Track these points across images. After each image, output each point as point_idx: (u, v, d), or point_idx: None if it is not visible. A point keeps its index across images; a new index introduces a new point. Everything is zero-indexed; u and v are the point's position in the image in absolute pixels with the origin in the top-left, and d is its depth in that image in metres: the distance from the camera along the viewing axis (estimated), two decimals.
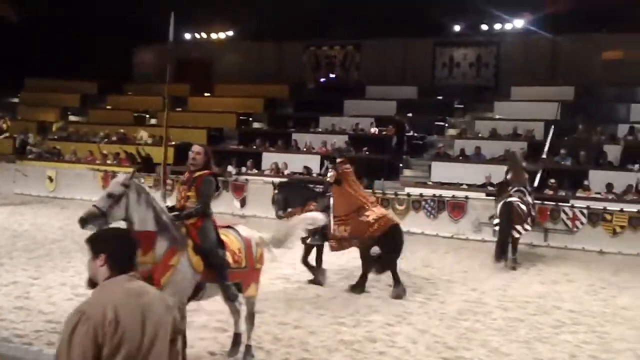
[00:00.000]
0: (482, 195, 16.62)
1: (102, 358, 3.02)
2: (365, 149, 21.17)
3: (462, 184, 17.92)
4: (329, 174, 10.67)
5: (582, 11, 21.49)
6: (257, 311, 8.53)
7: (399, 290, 9.91)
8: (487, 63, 26.21)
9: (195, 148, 6.67)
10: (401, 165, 21.02)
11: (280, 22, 25.92)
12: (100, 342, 3.02)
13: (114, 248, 3.34)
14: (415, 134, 22.54)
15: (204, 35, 29.75)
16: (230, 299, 6.63)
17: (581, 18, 21.91)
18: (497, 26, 25.64)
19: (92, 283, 3.36)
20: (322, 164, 20.62)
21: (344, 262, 11.79)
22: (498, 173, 17.66)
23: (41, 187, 20.59)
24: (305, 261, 10.74)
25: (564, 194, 16.77)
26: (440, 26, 25.70)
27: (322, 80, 28.95)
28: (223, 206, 18.34)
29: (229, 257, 6.45)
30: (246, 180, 18.78)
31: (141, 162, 21.99)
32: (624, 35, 22.28)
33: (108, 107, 29.37)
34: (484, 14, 24.21)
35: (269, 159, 21.33)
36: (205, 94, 29.09)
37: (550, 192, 16.75)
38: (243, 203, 18.22)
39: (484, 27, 25.83)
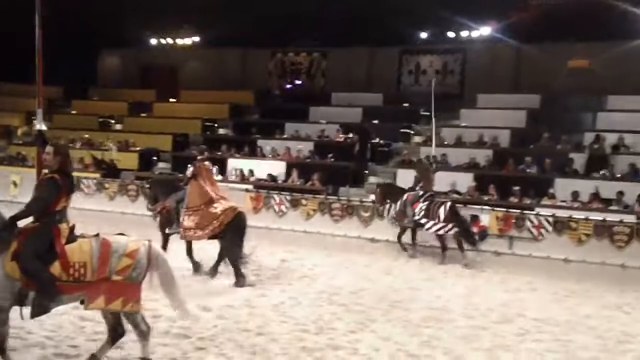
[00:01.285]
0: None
1: None
2: (330, 155, 21.17)
3: (452, 193, 17.91)
4: (188, 170, 11.43)
5: (547, 19, 21.76)
6: (220, 317, 8.52)
7: (240, 281, 10.60)
8: (452, 70, 26.43)
9: (47, 148, 6.50)
10: (366, 172, 21.04)
11: (246, 28, 25.84)
12: None
13: None
14: (381, 141, 22.58)
15: (169, 40, 29.55)
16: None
17: (547, 26, 22.20)
18: (464, 34, 25.87)
19: None
20: (287, 171, 20.62)
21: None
22: (464, 180, 17.81)
23: (5, 192, 20.18)
24: (164, 247, 11.14)
25: (529, 202, 16.89)
26: (407, 34, 25.83)
27: (288, 86, 28.96)
28: None
29: (57, 269, 6.15)
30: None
31: (106, 168, 21.79)
32: (590, 44, 22.54)
33: (73, 112, 29.02)
34: (450, 22, 24.40)
35: (234, 165, 21.21)
36: (171, 100, 28.90)
37: (515, 200, 16.88)
38: None
39: (451, 34, 26.04)
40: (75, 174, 19.41)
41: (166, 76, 29.85)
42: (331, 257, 13.93)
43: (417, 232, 14.67)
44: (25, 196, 19.15)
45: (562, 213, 15.13)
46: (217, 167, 11.47)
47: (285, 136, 23.52)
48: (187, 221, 10.99)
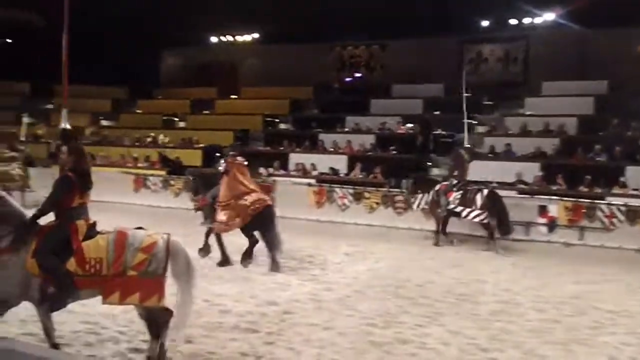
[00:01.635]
0: (514, 193, 16.33)
1: None
2: (392, 148, 21.02)
3: (492, 182, 17.63)
4: (221, 166, 11.84)
5: (613, 3, 21.06)
6: (287, 311, 8.54)
7: (274, 266, 11.20)
8: (515, 58, 25.87)
9: (63, 148, 6.73)
10: (429, 164, 20.83)
11: (304, 24, 25.87)
12: None
13: None
14: (443, 132, 22.30)
15: (229, 38, 29.83)
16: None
17: (613, 10, 21.48)
18: (526, 20, 25.30)
19: None
20: (349, 164, 20.59)
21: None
22: (530, 170, 17.44)
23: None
24: (207, 237, 12.09)
25: (599, 191, 16.43)
26: (468, 22, 25.41)
27: (347, 80, 28.87)
28: None
29: (73, 265, 6.24)
30: (273, 181, 18.75)
31: (171, 165, 22.16)
32: None
33: (138, 111, 29.65)
34: (512, 9, 23.90)
35: (296, 160, 21.29)
36: (232, 97, 29.21)
37: (586, 190, 16.42)
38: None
39: (513, 21, 25.50)
40: (142, 172, 19.98)
41: (227, 73, 30.17)
42: (395, 250, 13.80)
43: (448, 221, 14.70)
44: (95, 194, 19.72)
45: (634, 202, 14.65)
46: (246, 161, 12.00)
47: (346, 129, 23.48)
48: (220, 215, 11.47)
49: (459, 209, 14.24)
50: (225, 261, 11.62)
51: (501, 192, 15.49)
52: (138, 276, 6.19)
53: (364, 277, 10.98)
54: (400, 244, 14.57)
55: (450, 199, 14.35)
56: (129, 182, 20.15)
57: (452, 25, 24.67)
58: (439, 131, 22.36)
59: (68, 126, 7.46)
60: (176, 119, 28.39)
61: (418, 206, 15.40)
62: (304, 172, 20.45)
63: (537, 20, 25.14)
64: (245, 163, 11.99)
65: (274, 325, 7.93)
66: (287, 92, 27.13)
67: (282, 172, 20.64)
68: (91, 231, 6.52)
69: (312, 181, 19.00)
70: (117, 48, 27.98)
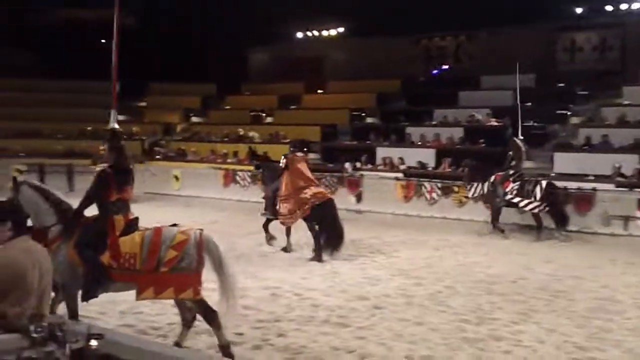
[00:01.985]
0: (611, 186, 15.71)
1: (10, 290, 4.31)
2: (481, 141, 20.62)
3: (588, 175, 17.00)
4: (281, 161, 12.52)
5: None
6: (377, 306, 8.52)
7: (316, 257, 11.46)
8: (612, 46, 24.83)
9: (103, 145, 7.18)
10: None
11: (390, 16, 25.69)
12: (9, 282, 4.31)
13: (15, 216, 4.63)
14: (535, 124, 21.66)
15: (315, 33, 29.96)
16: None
17: None
18: (623, 6, 24.25)
19: None
20: (437, 158, 20.33)
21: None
22: (629, 162, 16.76)
23: (168, 186, 21.39)
24: (265, 228, 12.77)
25: None
26: (560, 9, 24.59)
27: (434, 72, 28.47)
28: (339, 202, 18.45)
29: (107, 258, 6.48)
30: (361, 175, 18.73)
31: (260, 160, 22.41)
32: None
33: (227, 107, 30.21)
34: None
35: (383, 154, 21.19)
36: (318, 91, 29.33)
37: None
38: (359, 198, 18.18)
39: (608, 8, 24.50)
40: (232, 167, 20.34)
41: (313, 68, 30.30)
42: (485, 245, 13.55)
43: (501, 211, 14.76)
44: (186, 190, 20.53)
45: None
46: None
47: (433, 122, 23.20)
48: (282, 208, 12.02)
49: (516, 199, 14.32)
50: (287, 249, 12.27)
51: (598, 186, 15.02)
52: (169, 272, 6.39)
53: (455, 272, 10.82)
54: (490, 239, 14.31)
55: (507, 189, 14.43)
56: (218, 177, 20.58)
57: (543, 13, 23.92)
58: (530, 123, 21.72)
59: (117, 126, 7.85)
60: (263, 115, 28.74)
61: (473, 195, 15.53)
62: (391, 166, 20.33)
63: (635, 5, 24.03)
64: (306, 157, 12.71)
65: (365, 320, 7.94)
66: (374, 85, 27.01)
67: (369, 166, 20.58)
68: (130, 227, 6.73)
69: (400, 175, 18.87)
70: (206, 45, 28.62)
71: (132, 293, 8.47)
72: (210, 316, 6.57)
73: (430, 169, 19.96)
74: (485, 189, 14.98)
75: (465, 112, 22.84)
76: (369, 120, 25.86)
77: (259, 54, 32.73)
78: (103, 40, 31.31)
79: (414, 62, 28.67)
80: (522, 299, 9.14)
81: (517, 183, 14.38)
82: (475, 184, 15.33)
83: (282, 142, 24.04)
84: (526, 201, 14.19)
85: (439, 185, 17.04)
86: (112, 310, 8.04)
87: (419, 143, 21.63)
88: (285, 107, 28.65)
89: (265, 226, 12.80)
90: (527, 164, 18.68)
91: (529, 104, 22.39)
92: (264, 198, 13.58)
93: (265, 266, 10.96)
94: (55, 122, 26.76)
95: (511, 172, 14.70)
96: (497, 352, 7.00)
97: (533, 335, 7.56)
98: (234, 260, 11.10)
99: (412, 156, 20.58)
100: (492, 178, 14.83)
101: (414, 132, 22.28)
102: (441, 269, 11.06)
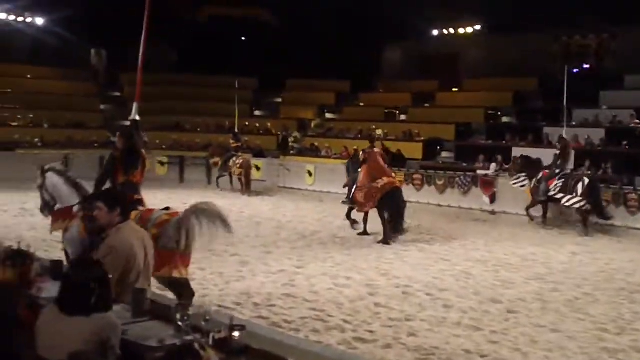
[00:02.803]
0: None
1: (127, 271, 4.94)
2: (624, 143, 19.66)
3: None
4: (360, 155, 13.98)
5: None
6: (511, 310, 8.39)
7: (385, 240, 12.76)
8: None
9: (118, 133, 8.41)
10: None
11: (528, 13, 24.96)
12: (125, 264, 4.93)
13: (123, 203, 5.20)
14: None
15: (450, 30, 29.59)
16: None
17: None
18: None
19: (100, 228, 5.12)
20: (576, 160, 19.58)
21: None
22: None
23: (301, 182, 21.93)
24: (348, 216, 14.19)
25: None
26: None
27: (574, 71, 27.34)
28: (472, 202, 18.24)
29: None
30: (496, 175, 18.38)
31: (392, 157, 22.51)
32: None
33: (361, 104, 30.46)
34: None
35: (519, 153, 20.63)
36: (453, 89, 28.99)
37: None
38: (493, 199, 17.87)
39: None
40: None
41: (448, 66, 29.95)
42: (627, 252, 12.95)
43: (548, 206, 15.64)
44: (320, 185, 21.00)
45: None
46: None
47: (573, 123, 22.35)
48: (359, 197, 13.30)
49: (559, 195, 15.06)
50: (364, 233, 13.64)
51: None
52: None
53: (594, 279, 10.44)
54: (636, 244, 13.66)
55: (551, 186, 15.19)
56: None
57: None
58: None
59: (137, 117, 8.57)
60: (397, 112, 28.77)
61: (515, 184, 16.55)
62: (488, 165, 19.82)
63: None
64: (381, 152, 14.14)
65: (498, 324, 7.83)
66: (510, 83, 26.38)
67: (505, 166, 20.12)
68: (132, 205, 6.94)
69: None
70: (341, 42, 28.97)
71: (266, 286, 8.89)
72: (186, 295, 6.80)
73: (569, 171, 19.24)
74: (532, 184, 15.75)
75: (607, 112, 21.82)
76: (505, 119, 25.29)
77: (393, 51, 32.72)
78: (243, 38, 32.73)
79: (553, 60, 27.66)
80: None
81: (562, 180, 15.09)
82: (522, 176, 16.29)
83: (415, 140, 24.04)
84: (568, 197, 14.85)
85: None
86: (247, 302, 8.37)
87: (557, 144, 20.90)
88: (419, 105, 28.53)
89: (348, 214, 14.13)
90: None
91: None
92: (345, 186, 15.32)
93: (397, 264, 11.04)
94: (196, 116, 28.01)
95: (557, 170, 15.46)
96: None
97: None
98: (365, 258, 11.38)
99: (550, 157, 19.91)
100: (540, 175, 15.60)
101: (551, 132, 21.56)
102: (580, 275, 10.70)
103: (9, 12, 27.97)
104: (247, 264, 10.52)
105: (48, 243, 10.67)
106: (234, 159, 20.54)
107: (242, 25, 31.88)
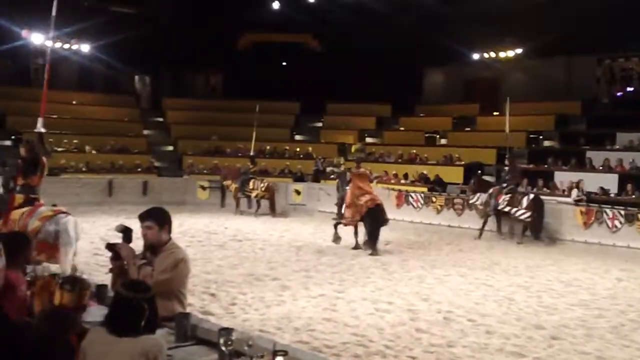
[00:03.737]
0: None
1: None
2: None
3: None
4: (347, 176, 15.97)
5: None
6: (554, 337, 8.27)
7: (371, 250, 14.29)
8: None
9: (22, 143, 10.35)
10: None
11: (571, 36, 24.81)
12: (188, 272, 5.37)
13: (170, 220, 5.31)
14: None
15: (492, 54, 29.48)
16: None
17: None
18: None
19: (153, 247, 5.21)
20: (620, 183, 19.32)
21: None
22: None
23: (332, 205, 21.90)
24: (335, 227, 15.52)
25: None
26: None
27: (618, 94, 26.99)
28: None
29: (3, 223, 9.11)
30: (578, 201, 18.15)
31: (433, 182, 22.48)
32: None
33: (401, 128, 30.47)
34: None
35: (561, 178, 20.44)
36: (494, 113, 28.81)
37: None
38: None
39: None
40: (404, 188, 20.53)
41: (489, 89, 29.83)
42: None
43: (501, 220, 17.59)
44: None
45: None
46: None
47: (617, 147, 22.06)
48: (346, 212, 15.02)
49: (507, 208, 17.01)
50: (356, 247, 14.85)
51: None
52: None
53: None
54: None
55: (500, 200, 17.15)
56: (392, 198, 20.79)
57: None
58: None
59: (43, 130, 9.99)
60: (437, 136, 28.70)
61: (474, 202, 18.32)
62: (569, 191, 19.54)
63: None
64: (367, 172, 15.53)
65: (542, 351, 7.75)
66: (553, 107, 26.15)
67: (546, 190, 19.91)
68: (26, 203, 9.25)
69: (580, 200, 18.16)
70: (381, 65, 29.09)
71: (307, 311, 8.92)
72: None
73: (612, 195, 18.98)
74: (484, 199, 17.68)
75: None
76: (547, 143, 25.05)
77: (434, 75, 32.75)
78: (284, 63, 33.11)
79: (597, 83, 27.38)
80: None
81: (509, 195, 17.09)
82: (479, 194, 18.10)
83: (455, 164, 23.93)
84: (515, 209, 16.77)
85: (622, 212, 16.20)
86: (288, 327, 8.41)
87: (601, 168, 20.67)
88: (460, 129, 28.43)
89: (335, 227, 15.45)
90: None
91: None
92: (336, 204, 17.28)
93: (438, 289, 10.98)
94: (236, 141, 28.32)
95: (504, 185, 17.54)
96: None
97: None
98: (407, 281, 11.36)
99: (594, 181, 19.69)
100: (491, 190, 17.61)
101: (595, 156, 21.30)
102: (625, 301, 10.51)
103: (55, 40, 28.76)
104: (287, 289, 10.56)
105: (92, 267, 10.90)
106: (253, 181, 20.91)
107: (283, 50, 32.27)
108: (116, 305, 3.83)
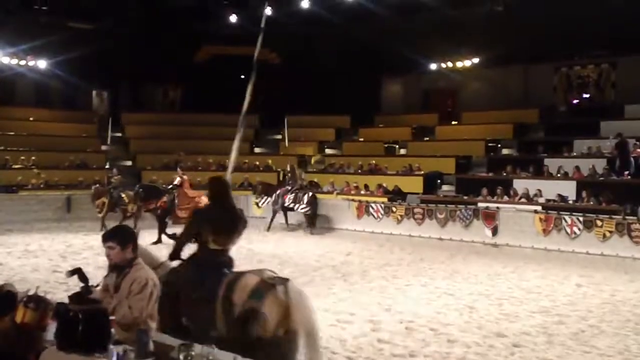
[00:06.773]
0: None
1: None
2: (627, 172, 19.62)
3: None
4: (175, 181, 18.12)
5: None
6: (516, 344, 8.25)
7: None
8: None
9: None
10: None
11: (527, 45, 25.19)
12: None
13: (134, 239, 5.08)
14: None
15: (449, 64, 29.73)
16: None
17: None
18: None
19: (117, 267, 4.97)
20: (577, 190, 19.55)
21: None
22: None
23: (302, 217, 21.79)
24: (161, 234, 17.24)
25: None
26: None
27: (574, 101, 27.43)
28: (475, 235, 18.12)
29: None
30: (497, 208, 18.32)
31: (392, 192, 22.52)
32: None
33: (360, 139, 30.51)
34: None
35: (520, 185, 20.62)
36: (453, 123, 29.07)
37: None
38: (495, 232, 17.78)
39: None
40: (365, 198, 20.55)
41: (447, 99, 30.11)
42: (632, 283, 12.82)
43: (287, 214, 21.00)
44: (321, 222, 20.75)
45: None
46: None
47: (574, 154, 22.37)
48: (181, 213, 16.90)
49: (292, 205, 20.53)
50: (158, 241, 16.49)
51: None
52: None
53: (599, 310, 10.31)
54: (639, 276, 13.52)
55: (286, 199, 20.64)
56: (352, 208, 20.79)
57: None
58: None
59: None
60: (397, 146, 28.80)
61: (262, 204, 21.63)
62: (528, 198, 19.73)
63: None
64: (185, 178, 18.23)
65: (504, 359, 7.72)
66: (511, 115, 26.43)
67: (505, 198, 20.06)
68: None
69: (538, 208, 18.30)
70: (340, 77, 29.13)
71: None
72: None
73: (570, 202, 19.20)
74: (272, 199, 20.94)
75: (609, 142, 21.80)
76: (505, 151, 25.31)
77: (392, 85, 32.89)
78: (242, 76, 32.88)
79: (554, 91, 27.76)
80: None
81: (293, 194, 20.58)
82: (265, 197, 21.29)
83: (415, 174, 24.02)
84: (298, 205, 20.36)
85: (581, 218, 16.37)
86: None
87: (559, 175, 20.91)
88: (419, 139, 28.57)
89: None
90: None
91: None
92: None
93: (399, 298, 10.91)
94: (197, 155, 28.05)
95: (289, 187, 21.00)
96: None
97: None
98: (368, 292, 11.26)
99: (551, 188, 19.90)
100: (278, 191, 20.95)
101: (552, 163, 21.55)
102: (585, 307, 10.56)
103: (12, 56, 28.28)
104: None
105: (51, 285, 10.71)
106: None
107: (241, 64, 32.02)
108: (59, 318, 3.75)
